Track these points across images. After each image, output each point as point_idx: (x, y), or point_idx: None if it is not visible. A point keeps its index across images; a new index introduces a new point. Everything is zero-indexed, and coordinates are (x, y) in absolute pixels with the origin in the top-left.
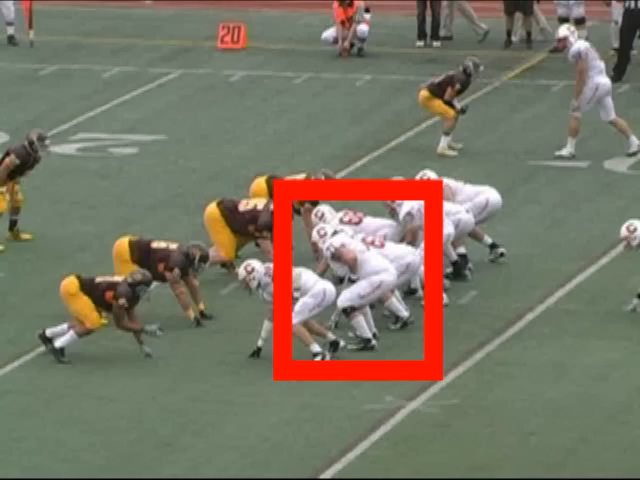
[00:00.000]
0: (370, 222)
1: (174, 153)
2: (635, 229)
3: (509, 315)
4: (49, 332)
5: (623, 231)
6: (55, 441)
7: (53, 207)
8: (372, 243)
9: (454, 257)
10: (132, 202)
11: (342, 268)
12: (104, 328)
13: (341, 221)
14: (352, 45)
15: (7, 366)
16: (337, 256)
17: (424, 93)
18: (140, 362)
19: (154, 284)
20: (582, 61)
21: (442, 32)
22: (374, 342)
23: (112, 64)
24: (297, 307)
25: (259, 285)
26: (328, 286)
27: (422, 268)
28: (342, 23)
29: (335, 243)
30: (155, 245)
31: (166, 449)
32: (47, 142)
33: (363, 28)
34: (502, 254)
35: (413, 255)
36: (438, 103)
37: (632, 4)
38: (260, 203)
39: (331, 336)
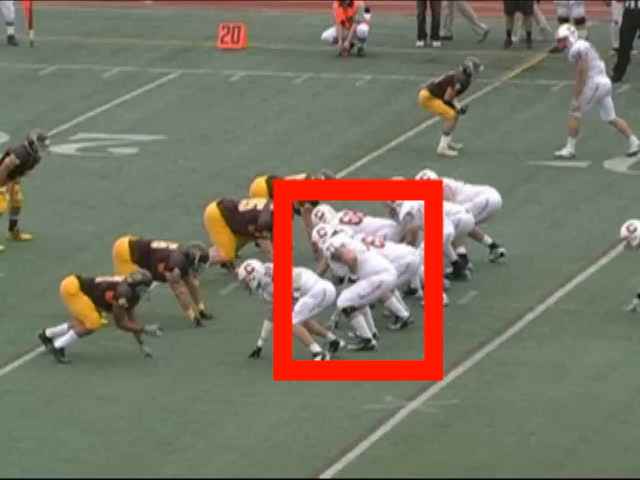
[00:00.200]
0: (370, 222)
1: (174, 153)
2: (635, 229)
3: (509, 315)
4: (49, 332)
5: (623, 231)
6: (55, 441)
7: (53, 207)
8: (372, 243)
9: (454, 257)
10: (132, 202)
11: (342, 268)
12: (104, 328)
13: (341, 221)
14: (352, 45)
15: (7, 366)
16: (337, 256)
17: (424, 93)
18: (140, 362)
19: (154, 284)
20: (582, 61)
21: (442, 32)
22: (374, 342)
23: (112, 64)
24: (297, 307)
25: (259, 285)
26: (328, 286)
27: (422, 268)
28: (342, 23)
29: (335, 243)
30: (155, 245)
31: (166, 449)
32: (47, 142)
33: (363, 28)
34: (502, 254)
35: (413, 255)
36: (438, 103)
37: (632, 4)
38: (260, 203)
39: (331, 336)
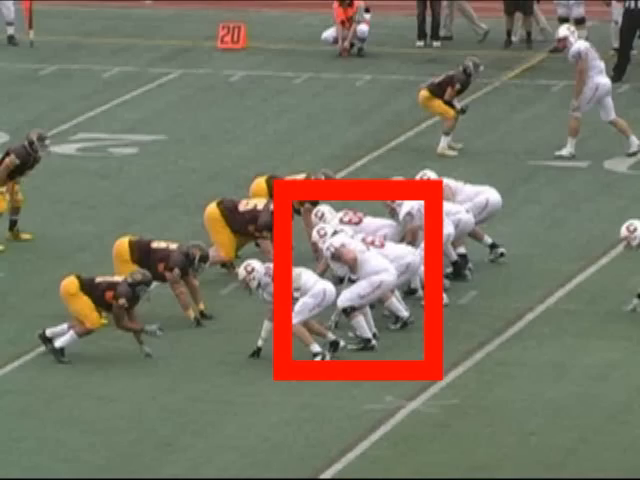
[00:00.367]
0: (370, 222)
1: (174, 153)
2: (635, 229)
3: (509, 315)
4: (49, 332)
5: (623, 231)
6: (55, 441)
7: (53, 207)
8: (372, 243)
9: (454, 257)
10: (132, 202)
11: (342, 268)
12: (104, 328)
13: (341, 221)
14: (352, 45)
15: (7, 366)
16: (337, 256)
17: (424, 93)
18: (140, 362)
19: (154, 284)
20: (582, 61)
21: (442, 32)
22: (374, 342)
23: (112, 64)
24: (297, 307)
25: (259, 285)
26: (328, 286)
27: (422, 268)
28: (342, 23)
29: (335, 243)
30: (155, 245)
31: (166, 449)
32: (47, 142)
33: (363, 28)
34: (502, 254)
35: (413, 255)
36: (438, 103)
37: (632, 4)
38: (260, 203)
39: (331, 336)
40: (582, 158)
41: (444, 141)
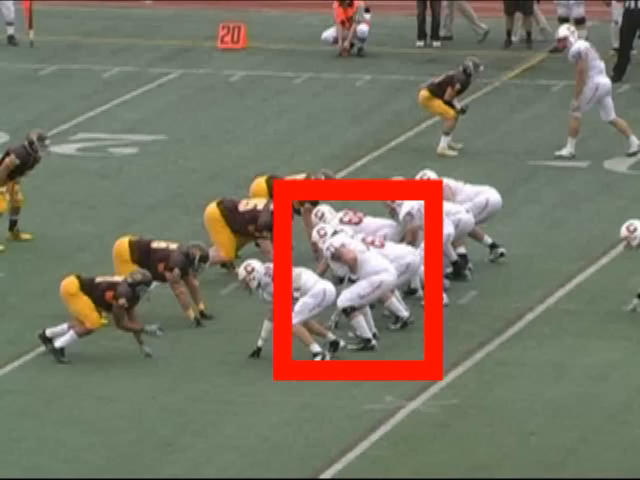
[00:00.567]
0: (370, 222)
1: (174, 153)
2: (635, 229)
3: (509, 315)
4: (49, 332)
5: (623, 231)
6: (55, 441)
7: (53, 207)
8: (372, 243)
9: (454, 257)
10: (132, 202)
11: (342, 268)
12: (104, 328)
13: (341, 221)
14: (352, 45)
15: (7, 366)
16: (337, 256)
17: (424, 93)
18: (140, 362)
19: (154, 284)
20: (582, 61)
21: (442, 32)
22: (374, 342)
23: (112, 64)
24: (297, 307)
25: (259, 285)
26: (328, 286)
27: (422, 268)
28: (342, 23)
29: (335, 243)
30: (155, 245)
31: (166, 449)
32: (47, 142)
33: (363, 28)
34: (502, 254)
35: (413, 255)
36: (438, 103)
37: (632, 4)
38: (260, 203)
39: (331, 336)
40: (582, 158)
41: (444, 141)
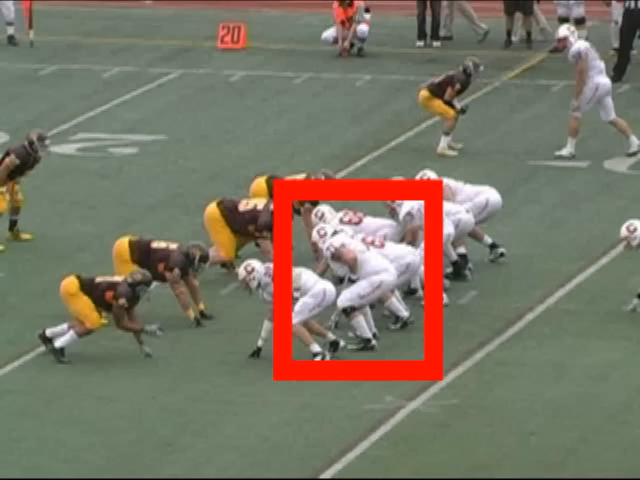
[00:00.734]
0: (370, 222)
1: (174, 153)
2: (635, 229)
3: (509, 315)
4: (49, 332)
5: (623, 231)
6: (55, 441)
7: (53, 207)
8: (372, 243)
9: (454, 257)
10: (132, 202)
11: (342, 268)
12: (104, 328)
13: (341, 221)
14: (352, 45)
15: (7, 366)
16: (337, 256)
17: (424, 93)
18: (140, 362)
19: (154, 284)
20: (582, 61)
21: (442, 32)
22: (374, 342)
23: (112, 64)
24: (297, 307)
25: (259, 285)
26: (328, 286)
27: (422, 268)
28: (342, 23)
29: (335, 243)
30: (155, 245)
31: (166, 449)
32: (47, 142)
33: (363, 28)
34: (502, 254)
35: (413, 255)
36: (438, 103)
37: (632, 4)
38: (260, 203)
39: (331, 336)
40: (582, 158)
41: (444, 141)
